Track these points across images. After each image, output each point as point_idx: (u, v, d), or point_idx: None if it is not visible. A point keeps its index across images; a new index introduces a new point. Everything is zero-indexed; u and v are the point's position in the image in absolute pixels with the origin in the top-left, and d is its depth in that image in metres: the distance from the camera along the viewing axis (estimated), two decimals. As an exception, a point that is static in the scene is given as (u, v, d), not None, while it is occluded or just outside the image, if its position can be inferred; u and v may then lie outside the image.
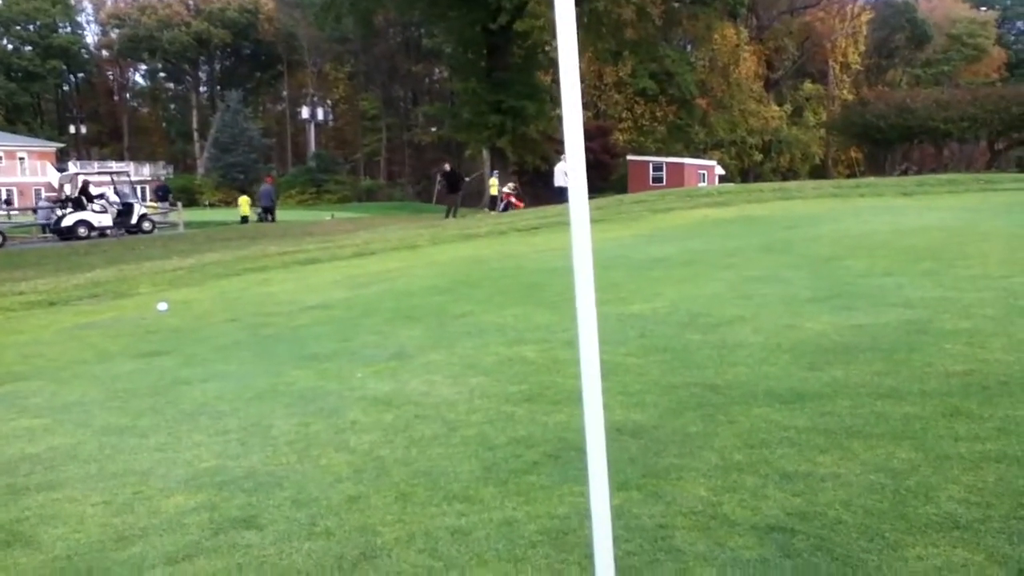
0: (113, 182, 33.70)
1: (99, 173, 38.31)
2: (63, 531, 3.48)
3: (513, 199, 31.81)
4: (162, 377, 6.19)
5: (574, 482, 3.56)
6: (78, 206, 29.61)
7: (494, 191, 31.61)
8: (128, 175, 39.01)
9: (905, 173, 45.70)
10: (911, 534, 2.88)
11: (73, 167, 64.90)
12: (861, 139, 60.18)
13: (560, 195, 26.10)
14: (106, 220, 29.73)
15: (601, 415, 2.18)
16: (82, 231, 28.70)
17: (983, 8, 72.84)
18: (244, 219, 34.40)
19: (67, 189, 31.75)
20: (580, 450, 3.95)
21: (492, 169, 43.25)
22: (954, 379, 4.62)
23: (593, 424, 2.17)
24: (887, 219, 13.41)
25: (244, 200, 36.78)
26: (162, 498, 3.78)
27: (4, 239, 27.88)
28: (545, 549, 3.00)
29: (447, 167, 28.98)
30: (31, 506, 3.78)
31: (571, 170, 2.14)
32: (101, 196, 30.83)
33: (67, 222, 28.93)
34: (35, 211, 36.73)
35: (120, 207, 30.84)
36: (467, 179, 31.07)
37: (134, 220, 30.57)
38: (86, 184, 31.49)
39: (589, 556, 2.85)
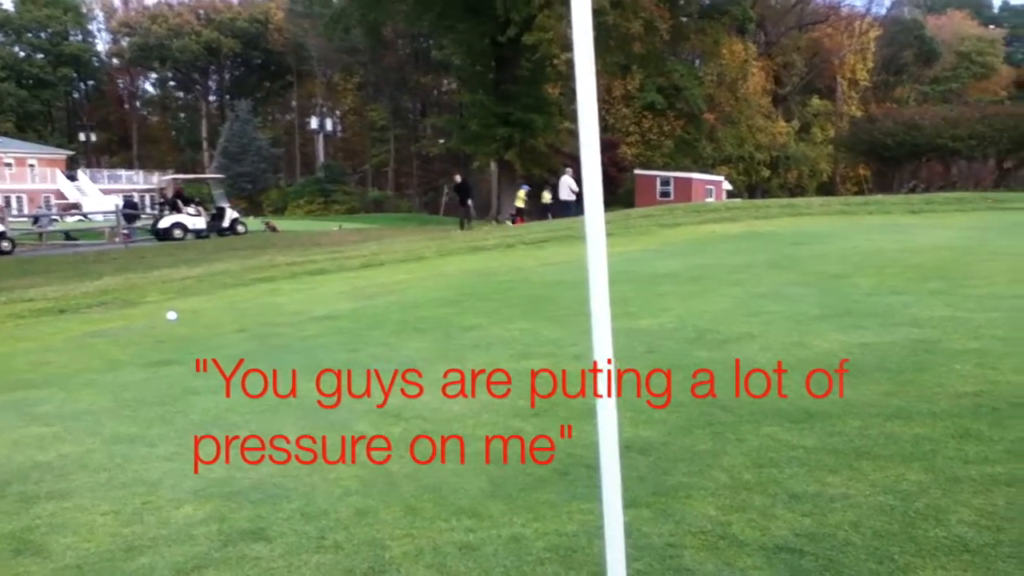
0: (209, 187, 35.44)
1: (194, 179, 39.37)
2: (73, 540, 3.50)
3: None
4: (171, 386, 6.21)
5: (583, 499, 3.56)
6: (174, 209, 31.22)
7: (520, 203, 31.56)
8: (223, 181, 40.17)
9: (913, 191, 45.62)
10: (920, 557, 2.88)
11: (83, 175, 65.32)
12: (869, 156, 60.06)
13: (565, 208, 26.08)
14: (200, 223, 31.41)
15: (615, 431, 2.18)
16: (177, 233, 30.28)
17: (991, 26, 72.90)
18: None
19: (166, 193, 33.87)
20: (589, 467, 3.96)
21: (500, 180, 43.37)
22: (964, 400, 4.61)
23: (607, 440, 2.17)
24: (895, 237, 13.40)
25: None
26: (171, 508, 3.79)
27: (13, 246, 28.01)
28: (554, 567, 3.00)
29: (458, 179, 29.09)
30: (41, 515, 3.80)
31: (586, 183, 2.14)
32: (198, 201, 32.91)
33: (163, 224, 30.57)
34: (36, 220, 37.04)
35: (214, 211, 32.55)
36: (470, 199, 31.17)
37: (226, 223, 32.21)
38: (180, 189, 33.31)
39: (599, 574, 2.86)
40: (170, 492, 4.00)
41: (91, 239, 33.97)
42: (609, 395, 2.17)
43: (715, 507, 3.42)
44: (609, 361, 2.19)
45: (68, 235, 34.18)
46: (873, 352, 5.87)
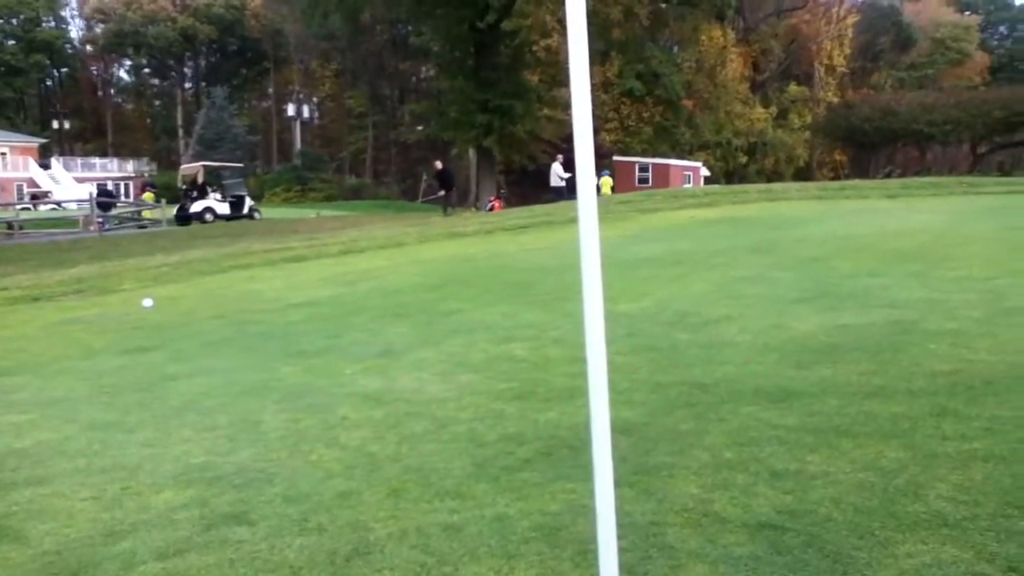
0: (223, 174, 37.23)
1: (219, 167, 39.57)
2: (52, 526, 3.46)
3: (495, 202, 32.16)
4: (149, 373, 6.16)
5: (566, 479, 3.57)
6: (202, 195, 33.22)
7: (607, 189, 31.06)
8: (244, 170, 41.15)
9: (889, 176, 45.99)
10: (900, 531, 2.91)
11: (56, 163, 64.47)
12: (845, 141, 60.50)
13: (555, 195, 26.08)
14: (226, 209, 33.46)
15: (607, 411, 2.17)
16: (208, 217, 32.46)
17: (967, 12, 73.39)
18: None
19: (198, 179, 34.94)
20: (572, 448, 3.98)
21: (479, 167, 43.22)
22: (941, 379, 4.66)
23: (599, 421, 2.17)
24: (872, 221, 13.50)
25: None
26: (152, 494, 3.76)
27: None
28: (538, 545, 3.00)
29: (439, 165, 29.06)
30: (19, 501, 3.76)
31: (579, 169, 2.13)
32: (215, 188, 34.73)
33: (195, 208, 32.65)
34: None
35: (232, 199, 34.37)
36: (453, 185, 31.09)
37: (245, 210, 34.23)
38: (196, 176, 34.79)
39: (584, 552, 2.87)
40: (150, 477, 3.97)
41: (65, 227, 33.52)
42: (599, 376, 2.16)
43: (697, 485, 3.44)
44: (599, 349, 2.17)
45: (10, 225, 33.45)
46: (851, 333, 5.92)
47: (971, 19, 71.17)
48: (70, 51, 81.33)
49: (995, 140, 57.73)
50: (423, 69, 73.82)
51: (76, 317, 9.18)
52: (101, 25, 78.58)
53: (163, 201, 35.56)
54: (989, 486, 3.22)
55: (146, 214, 34.99)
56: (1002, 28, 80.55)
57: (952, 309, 6.49)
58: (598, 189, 30.16)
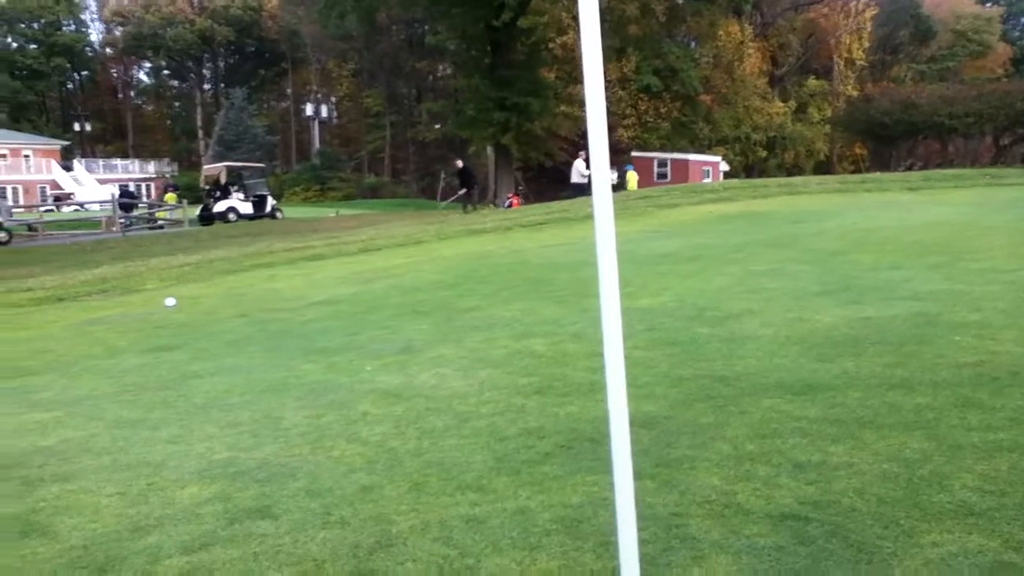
0: (244, 174, 37.76)
1: (241, 167, 40.07)
2: (79, 521, 3.50)
3: (514, 199, 32.30)
4: (172, 371, 6.22)
5: (587, 472, 3.57)
6: (225, 195, 33.87)
7: (632, 184, 31.62)
8: (265, 170, 41.44)
9: (910, 169, 45.56)
10: (926, 521, 2.89)
11: (78, 165, 65.07)
12: (866, 135, 59.92)
13: (575, 191, 26.07)
14: (249, 208, 34.06)
15: (625, 404, 2.17)
16: (232, 216, 33.04)
17: (988, 4, 72.50)
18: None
19: (221, 179, 35.55)
20: (592, 441, 3.98)
21: (496, 164, 43.28)
22: (965, 370, 4.62)
23: (617, 414, 2.16)
24: (893, 214, 13.39)
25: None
26: (176, 489, 3.80)
27: (10, 237, 27.90)
28: (560, 537, 3.01)
29: (460, 164, 29.13)
30: (46, 497, 3.80)
31: (593, 166, 2.13)
32: (239, 188, 35.27)
33: (218, 208, 33.28)
34: None
35: (255, 198, 34.93)
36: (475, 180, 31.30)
37: (267, 210, 34.77)
38: (218, 176, 35.48)
39: (605, 544, 2.87)
40: (174, 473, 4.00)
41: (88, 228, 33.84)
42: (617, 370, 2.16)
43: (719, 477, 3.43)
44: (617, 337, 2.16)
45: (31, 227, 33.74)
46: (874, 326, 5.88)
47: (993, 10, 70.32)
48: (90, 54, 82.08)
49: (1018, 132, 56.95)
50: (440, 68, 73.85)
51: (100, 317, 9.28)
52: (120, 28, 79.26)
53: (185, 202, 35.86)
54: (1015, 476, 3.19)
55: (161, 214, 35.31)
56: (1024, 19, 79.56)
57: (976, 301, 6.43)
58: (624, 184, 30.24)
